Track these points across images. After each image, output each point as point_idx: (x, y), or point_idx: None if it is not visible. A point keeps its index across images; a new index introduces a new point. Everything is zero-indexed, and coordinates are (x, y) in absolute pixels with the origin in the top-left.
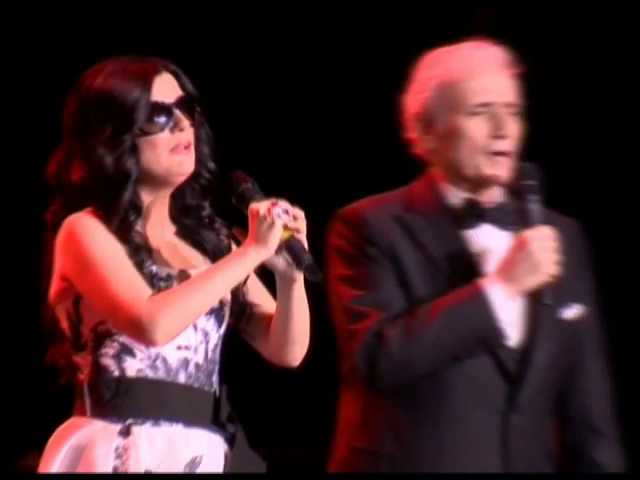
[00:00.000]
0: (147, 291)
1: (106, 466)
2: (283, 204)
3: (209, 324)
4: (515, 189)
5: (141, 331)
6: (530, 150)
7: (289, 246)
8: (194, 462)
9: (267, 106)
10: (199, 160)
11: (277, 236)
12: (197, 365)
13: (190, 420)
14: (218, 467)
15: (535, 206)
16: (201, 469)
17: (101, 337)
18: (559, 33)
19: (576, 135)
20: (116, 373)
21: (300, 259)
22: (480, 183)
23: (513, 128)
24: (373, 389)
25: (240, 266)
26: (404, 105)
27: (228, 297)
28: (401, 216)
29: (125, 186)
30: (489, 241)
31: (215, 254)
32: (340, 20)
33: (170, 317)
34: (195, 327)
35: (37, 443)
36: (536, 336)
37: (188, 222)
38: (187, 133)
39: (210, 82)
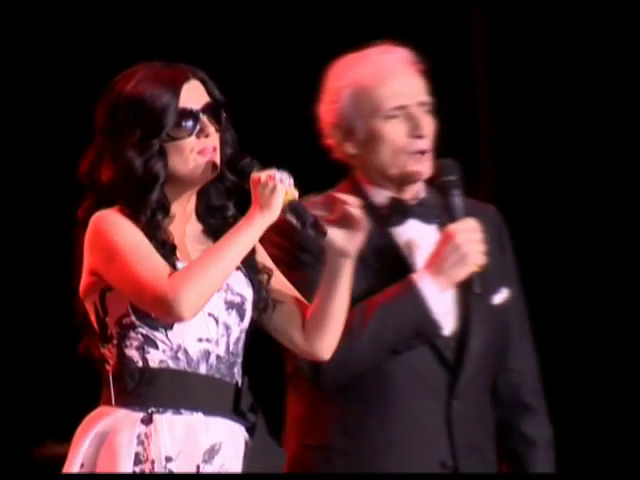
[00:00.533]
0: (168, 271)
1: (128, 452)
2: (282, 172)
3: (231, 318)
4: (437, 185)
5: (168, 308)
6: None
7: (292, 208)
8: (213, 449)
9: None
10: (224, 162)
11: (280, 199)
12: (218, 357)
13: (210, 409)
14: (238, 455)
15: (458, 200)
16: (220, 456)
17: (125, 329)
18: (552, 32)
19: (570, 131)
20: (140, 364)
21: (304, 219)
22: (404, 181)
23: (429, 126)
24: (318, 388)
25: (249, 232)
26: (320, 114)
27: (250, 293)
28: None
29: (153, 188)
30: (416, 236)
31: None
32: (334, 19)
33: (192, 290)
34: (217, 321)
35: (53, 433)
36: (470, 323)
37: (213, 221)
38: (212, 138)
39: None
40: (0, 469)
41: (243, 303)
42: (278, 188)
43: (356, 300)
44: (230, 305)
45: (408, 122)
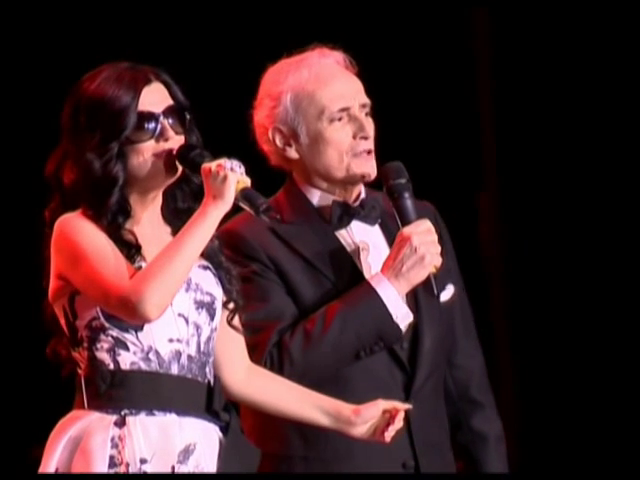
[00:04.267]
0: (131, 272)
1: (103, 455)
2: (233, 160)
3: (201, 317)
4: (388, 188)
5: (133, 309)
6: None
7: (244, 195)
8: (188, 449)
9: None
10: (177, 157)
11: (232, 187)
12: (189, 357)
13: (183, 409)
14: (213, 454)
15: (410, 202)
16: (195, 456)
17: (96, 332)
18: (555, 32)
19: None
20: (111, 366)
21: (257, 205)
22: (349, 183)
23: (371, 127)
24: None
25: (204, 224)
26: (256, 120)
27: (220, 292)
28: (274, 227)
29: (112, 191)
30: (361, 237)
31: (204, 255)
32: (332, 18)
33: (154, 289)
34: (187, 320)
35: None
36: (421, 322)
37: (180, 224)
38: (172, 142)
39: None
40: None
41: (213, 302)
42: (229, 177)
43: (310, 305)
44: (200, 304)
45: (352, 124)
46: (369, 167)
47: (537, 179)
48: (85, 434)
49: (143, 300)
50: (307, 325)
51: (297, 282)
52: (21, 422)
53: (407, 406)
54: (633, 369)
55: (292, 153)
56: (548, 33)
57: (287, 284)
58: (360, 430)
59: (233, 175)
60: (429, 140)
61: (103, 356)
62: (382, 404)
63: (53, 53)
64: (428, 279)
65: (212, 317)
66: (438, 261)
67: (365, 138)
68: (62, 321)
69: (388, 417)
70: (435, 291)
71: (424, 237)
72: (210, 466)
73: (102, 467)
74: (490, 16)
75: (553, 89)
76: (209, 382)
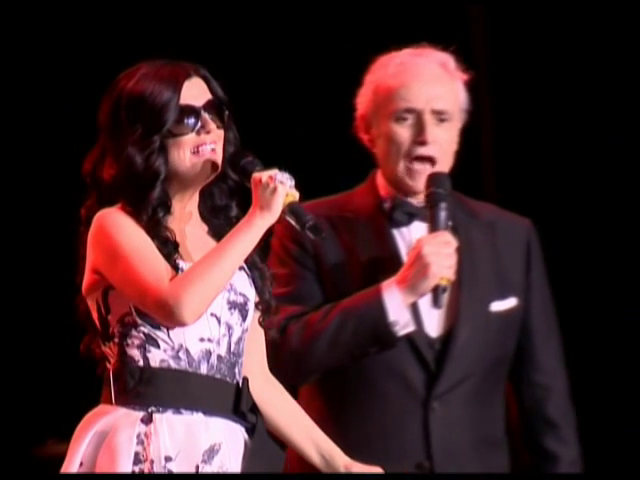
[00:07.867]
0: (170, 275)
1: (128, 451)
2: (284, 173)
3: (233, 318)
4: (426, 195)
5: (169, 313)
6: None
7: (292, 209)
8: (213, 449)
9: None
10: (226, 161)
11: (280, 200)
12: (219, 357)
13: (210, 409)
14: (238, 455)
15: (442, 213)
16: (220, 456)
17: (127, 328)
18: (552, 30)
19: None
20: (140, 363)
21: (303, 221)
22: (402, 188)
23: (436, 134)
24: (285, 383)
25: (248, 234)
26: (355, 106)
27: (253, 293)
28: (332, 217)
29: (154, 185)
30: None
31: None
32: (333, 19)
33: (193, 295)
34: (219, 320)
35: (55, 431)
36: (456, 327)
37: (217, 222)
38: (213, 135)
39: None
40: (2, 468)
41: (246, 303)
42: (279, 189)
43: (346, 295)
44: (233, 305)
45: (415, 127)
46: (417, 180)
47: (536, 180)
48: (111, 429)
49: (180, 305)
50: (312, 316)
51: (333, 274)
52: (45, 418)
53: None
54: (631, 371)
55: (368, 143)
56: (547, 35)
57: (321, 274)
58: None
59: (282, 188)
60: None
61: (133, 352)
62: (375, 471)
63: (85, 55)
64: (435, 290)
65: (244, 318)
66: (448, 274)
67: (422, 143)
68: (94, 315)
69: None
70: (437, 304)
71: (437, 247)
72: (234, 467)
73: (127, 463)
74: (487, 16)
75: (551, 91)
76: (237, 383)
